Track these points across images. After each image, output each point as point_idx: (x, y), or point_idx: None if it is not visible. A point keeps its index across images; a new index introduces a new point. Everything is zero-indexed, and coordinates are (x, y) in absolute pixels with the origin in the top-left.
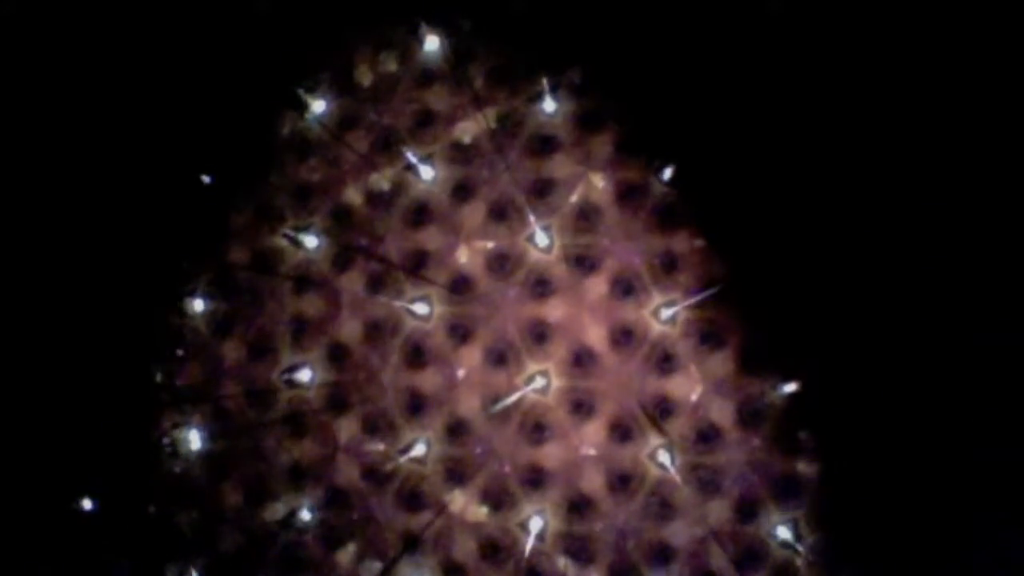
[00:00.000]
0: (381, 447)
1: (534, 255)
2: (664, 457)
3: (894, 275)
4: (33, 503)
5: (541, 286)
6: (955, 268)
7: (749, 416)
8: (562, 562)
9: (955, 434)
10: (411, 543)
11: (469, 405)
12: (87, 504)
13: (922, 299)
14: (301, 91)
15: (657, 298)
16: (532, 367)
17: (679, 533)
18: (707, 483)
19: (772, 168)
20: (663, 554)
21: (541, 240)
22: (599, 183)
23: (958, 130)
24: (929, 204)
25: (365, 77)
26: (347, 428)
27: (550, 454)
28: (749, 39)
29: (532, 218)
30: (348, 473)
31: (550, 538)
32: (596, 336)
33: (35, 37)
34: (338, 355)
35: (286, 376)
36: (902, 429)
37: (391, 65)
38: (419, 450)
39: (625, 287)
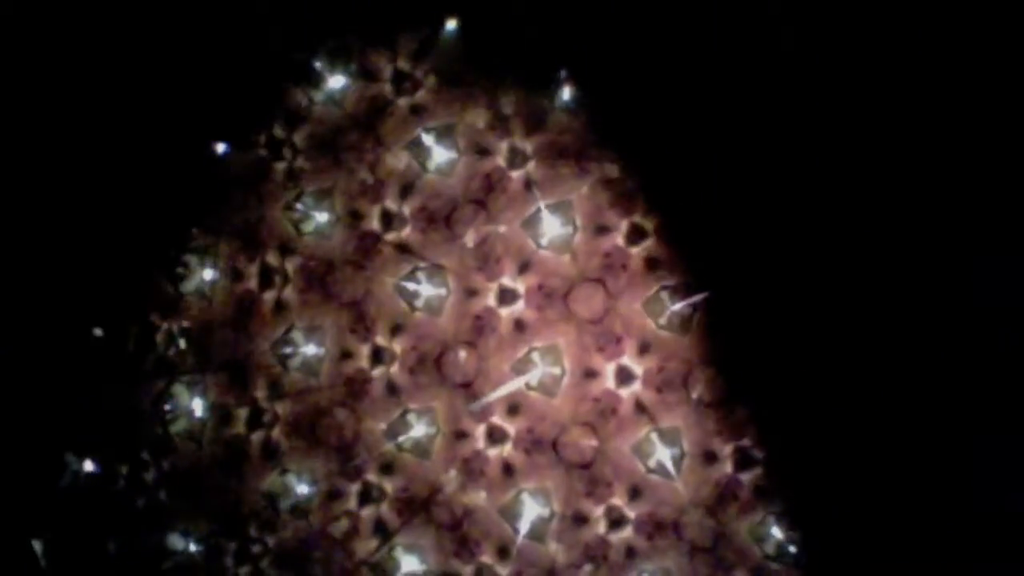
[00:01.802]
0: (383, 426)
1: (541, 242)
2: (663, 455)
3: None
4: (33, 470)
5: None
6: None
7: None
8: (553, 546)
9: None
10: (406, 522)
11: (469, 387)
12: (88, 466)
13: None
14: (318, 66)
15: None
16: (535, 353)
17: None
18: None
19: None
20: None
21: (549, 224)
22: (613, 173)
23: (951, 134)
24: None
25: (382, 59)
26: (350, 410)
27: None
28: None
29: (541, 203)
30: (344, 448)
31: (545, 523)
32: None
33: (37, 25)
34: (344, 335)
35: (289, 349)
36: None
37: (411, 47)
38: (419, 430)
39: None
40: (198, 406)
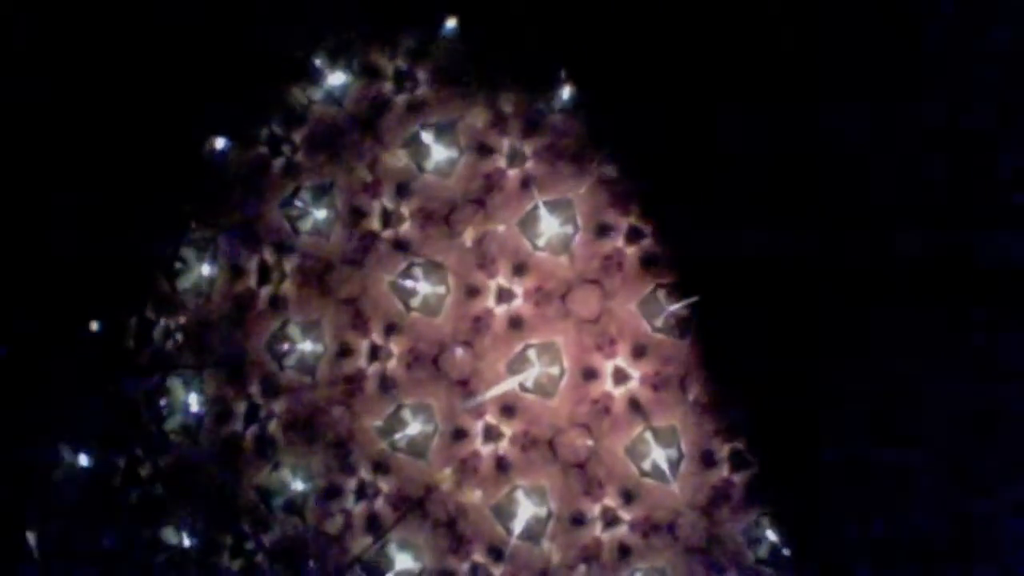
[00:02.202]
0: (379, 423)
1: (538, 241)
2: (659, 456)
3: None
4: (28, 463)
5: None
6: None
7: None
8: (546, 546)
9: None
10: (401, 518)
11: (463, 386)
12: (83, 460)
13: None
14: (318, 63)
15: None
16: (531, 351)
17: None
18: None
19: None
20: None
21: (547, 223)
22: (611, 174)
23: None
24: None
25: (382, 57)
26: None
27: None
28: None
29: (539, 202)
30: (340, 445)
31: (540, 522)
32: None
33: (38, 23)
34: (342, 332)
35: (286, 346)
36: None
37: (410, 45)
38: (416, 428)
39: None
40: (194, 401)
